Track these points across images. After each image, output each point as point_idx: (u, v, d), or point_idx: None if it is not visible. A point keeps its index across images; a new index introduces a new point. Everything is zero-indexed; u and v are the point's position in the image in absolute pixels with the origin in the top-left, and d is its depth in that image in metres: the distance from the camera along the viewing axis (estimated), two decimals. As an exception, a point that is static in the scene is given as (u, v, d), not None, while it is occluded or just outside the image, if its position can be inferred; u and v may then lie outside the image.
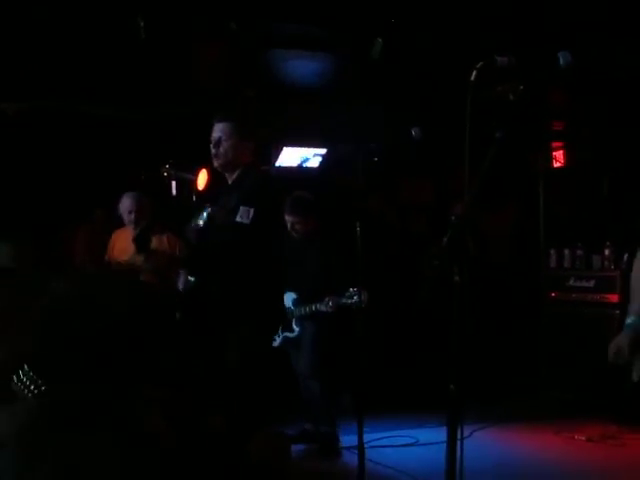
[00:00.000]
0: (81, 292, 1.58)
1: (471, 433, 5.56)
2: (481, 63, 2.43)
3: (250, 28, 5.84)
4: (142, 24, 5.53)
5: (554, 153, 7.91)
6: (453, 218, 2.21)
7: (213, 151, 4.30)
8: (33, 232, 5.97)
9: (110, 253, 6.05)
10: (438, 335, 4.07)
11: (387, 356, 6.93)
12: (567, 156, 7.94)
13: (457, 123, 2.57)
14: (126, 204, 5.88)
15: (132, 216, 5.83)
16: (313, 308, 5.37)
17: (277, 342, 5.52)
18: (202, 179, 7.14)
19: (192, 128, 7.04)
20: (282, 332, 5.53)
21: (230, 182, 4.35)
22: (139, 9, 5.45)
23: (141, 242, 5.49)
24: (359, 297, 4.74)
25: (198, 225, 4.30)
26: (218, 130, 4.29)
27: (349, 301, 5.13)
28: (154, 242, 5.74)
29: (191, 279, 4.48)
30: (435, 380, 4.05)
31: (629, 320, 2.84)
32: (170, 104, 6.86)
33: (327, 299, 5.27)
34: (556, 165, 7.91)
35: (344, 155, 7.24)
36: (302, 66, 6.63)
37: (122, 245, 5.92)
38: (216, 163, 4.33)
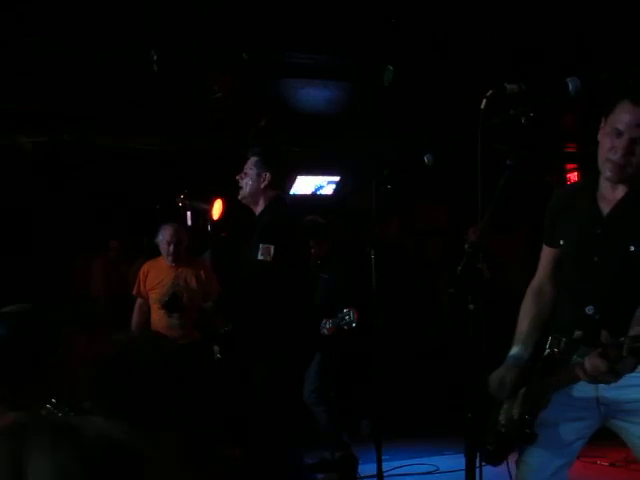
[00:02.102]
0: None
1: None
2: (491, 91, 2.45)
3: (262, 58, 5.90)
4: (155, 57, 5.59)
5: (568, 175, 7.91)
6: (467, 246, 2.22)
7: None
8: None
9: (142, 283, 5.91)
10: (455, 362, 4.05)
11: (405, 382, 6.90)
12: (581, 177, 7.95)
13: (470, 149, 2.58)
14: (166, 235, 5.76)
15: (170, 248, 5.73)
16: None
17: None
18: (217, 209, 7.21)
19: (207, 158, 7.12)
20: None
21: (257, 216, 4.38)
22: (154, 41, 5.52)
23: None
24: (350, 317, 4.78)
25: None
26: (246, 164, 4.37)
27: (341, 322, 5.14)
28: (189, 279, 5.74)
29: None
30: (453, 407, 4.02)
31: (513, 351, 2.69)
32: (185, 135, 6.93)
33: (324, 321, 5.28)
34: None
35: (357, 182, 7.27)
36: (314, 94, 6.68)
37: (155, 276, 5.85)
38: (239, 196, 4.39)
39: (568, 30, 5.21)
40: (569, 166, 7.97)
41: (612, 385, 2.24)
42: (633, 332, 1.98)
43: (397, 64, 5.78)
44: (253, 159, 4.36)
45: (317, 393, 5.40)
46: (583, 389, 2.46)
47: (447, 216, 8.75)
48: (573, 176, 7.98)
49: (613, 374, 2.09)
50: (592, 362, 2.13)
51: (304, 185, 7.72)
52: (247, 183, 4.32)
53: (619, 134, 2.46)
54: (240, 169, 4.42)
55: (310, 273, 5.06)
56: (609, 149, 2.49)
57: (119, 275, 7.79)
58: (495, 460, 2.63)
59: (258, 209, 4.34)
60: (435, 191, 8.11)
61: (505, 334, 2.79)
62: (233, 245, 7.59)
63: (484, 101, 2.44)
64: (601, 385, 2.33)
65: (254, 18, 5.27)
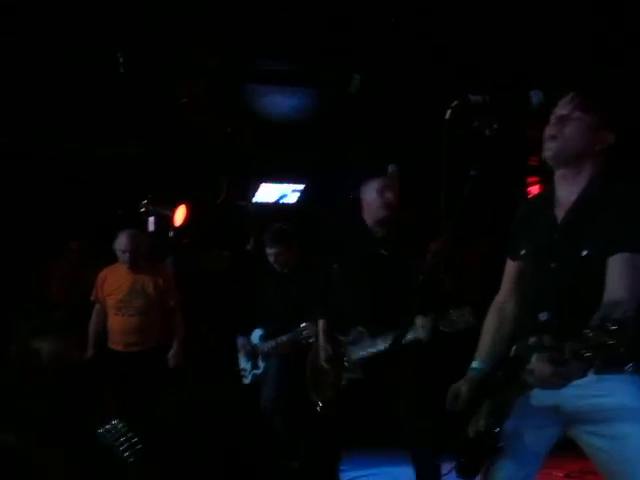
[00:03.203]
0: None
1: (450, 470, 5.51)
2: (456, 102, 2.47)
3: (229, 64, 5.88)
4: (121, 59, 5.54)
5: (530, 188, 7.98)
6: (429, 256, 2.22)
7: None
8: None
9: (99, 289, 5.91)
10: (418, 371, 4.06)
11: (366, 391, 6.88)
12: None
13: (434, 159, 2.60)
14: (122, 242, 5.73)
15: (126, 255, 5.71)
16: (274, 344, 5.36)
17: (248, 380, 5.49)
18: (180, 215, 7.16)
19: (172, 164, 7.07)
20: (252, 370, 5.50)
21: None
22: (119, 44, 5.47)
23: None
24: (309, 332, 4.78)
25: None
26: None
27: (299, 337, 5.14)
28: (146, 285, 5.70)
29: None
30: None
31: (474, 364, 2.70)
32: (150, 140, 6.87)
33: (282, 336, 5.28)
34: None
35: (322, 191, 7.28)
36: (280, 101, 6.67)
37: (113, 281, 5.84)
38: None
39: (534, 43, 5.28)
40: (531, 179, 8.05)
41: (571, 394, 2.24)
42: (578, 336, 1.98)
43: (365, 73, 5.80)
44: None
45: (272, 402, 5.37)
46: (543, 398, 2.47)
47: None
48: (535, 189, 8.05)
49: (560, 378, 2.09)
50: (538, 367, 2.13)
51: (268, 193, 7.70)
52: None
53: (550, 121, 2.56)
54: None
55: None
56: (545, 137, 2.57)
57: (80, 279, 7.67)
58: (468, 474, 2.63)
59: None
60: (399, 201, 8.12)
61: (466, 345, 2.80)
62: (195, 252, 7.54)
63: (449, 111, 2.45)
64: (561, 394, 2.33)
65: (223, 24, 5.25)
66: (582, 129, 2.52)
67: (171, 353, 5.73)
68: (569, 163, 2.58)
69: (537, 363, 2.12)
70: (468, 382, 2.65)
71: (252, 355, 5.58)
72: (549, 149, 2.57)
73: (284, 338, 5.26)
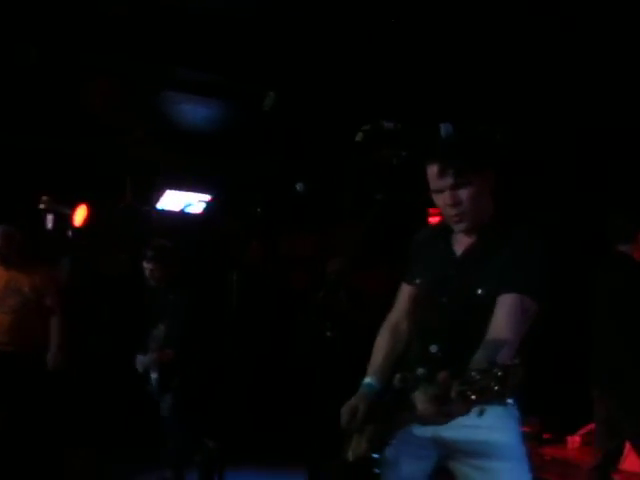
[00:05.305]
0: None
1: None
2: (367, 125, 2.51)
3: (146, 68, 5.81)
4: (33, 51, 5.40)
5: (430, 219, 8.16)
6: (328, 274, 2.24)
7: None
8: None
9: None
10: (308, 388, 4.07)
11: (255, 407, 6.87)
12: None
13: (342, 181, 2.63)
14: None
15: None
16: (152, 358, 5.33)
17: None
18: (80, 215, 6.99)
19: (76, 161, 6.90)
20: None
21: None
22: (33, 37, 5.33)
23: None
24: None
25: None
26: None
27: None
28: (21, 284, 5.53)
29: None
30: (301, 433, 4.03)
31: (366, 380, 2.70)
32: (54, 134, 6.70)
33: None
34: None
35: (229, 203, 7.25)
36: (194, 111, 6.63)
37: None
38: None
39: (448, 75, 5.43)
40: (433, 210, 8.22)
41: (447, 425, 2.27)
42: (465, 377, 2.01)
43: (280, 90, 5.84)
44: None
45: (172, 410, 5.32)
46: (423, 429, 2.49)
47: (316, 247, 8.81)
48: (436, 220, 8.22)
49: (442, 416, 2.08)
50: (422, 405, 2.11)
51: (173, 201, 7.62)
52: None
53: (440, 191, 2.56)
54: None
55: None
56: (442, 207, 2.59)
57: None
58: None
59: None
60: (305, 220, 8.17)
61: (360, 366, 2.82)
62: (93, 254, 7.37)
63: (359, 134, 2.49)
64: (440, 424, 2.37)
65: (142, 28, 5.20)
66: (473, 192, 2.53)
67: (48, 355, 5.57)
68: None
69: (421, 400, 2.11)
70: (364, 399, 2.63)
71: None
72: (462, 226, 2.59)
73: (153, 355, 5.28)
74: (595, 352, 4.57)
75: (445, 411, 2.04)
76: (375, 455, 2.50)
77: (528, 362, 2.22)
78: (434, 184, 2.54)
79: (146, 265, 5.38)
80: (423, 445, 2.60)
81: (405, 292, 2.87)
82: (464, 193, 2.51)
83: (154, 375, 5.34)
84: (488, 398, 1.89)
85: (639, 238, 4.50)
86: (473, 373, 1.92)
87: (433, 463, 2.67)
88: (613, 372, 4.48)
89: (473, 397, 1.90)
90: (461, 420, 2.10)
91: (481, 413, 1.93)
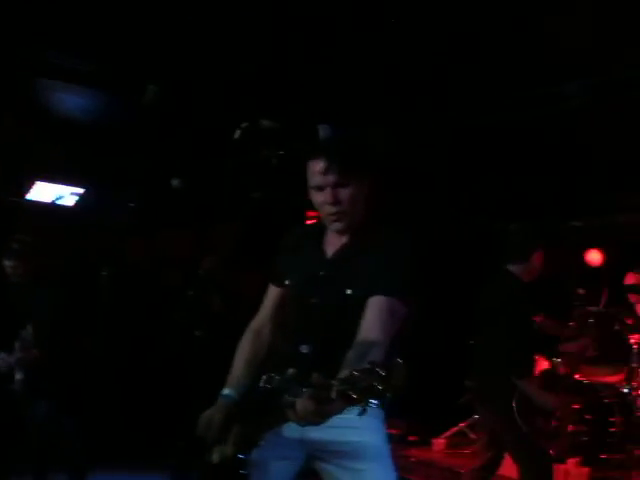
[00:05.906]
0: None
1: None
2: (246, 123, 2.48)
3: (20, 53, 5.58)
4: None
5: (308, 222, 8.22)
6: (200, 272, 2.20)
7: None
8: None
9: None
10: (175, 390, 4.01)
11: (125, 407, 6.72)
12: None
13: (220, 178, 2.59)
14: None
15: None
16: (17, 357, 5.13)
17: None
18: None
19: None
20: None
21: None
22: None
23: None
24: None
25: None
26: None
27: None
28: None
29: None
30: (169, 436, 3.97)
31: (225, 391, 2.70)
32: None
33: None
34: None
35: (102, 197, 7.06)
36: (70, 100, 6.42)
37: None
38: None
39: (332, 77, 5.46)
40: (310, 213, 8.28)
41: (315, 426, 2.27)
42: (342, 375, 2.02)
43: (160, 84, 5.73)
44: None
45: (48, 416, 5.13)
46: (290, 428, 2.46)
47: (191, 245, 8.71)
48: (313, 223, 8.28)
49: (320, 416, 2.09)
50: (301, 404, 2.11)
51: (43, 192, 7.34)
52: None
53: (320, 189, 2.57)
54: None
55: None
56: (321, 204, 2.60)
57: None
58: None
59: None
60: (181, 218, 8.06)
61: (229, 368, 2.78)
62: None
63: (238, 132, 2.46)
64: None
65: (15, 11, 5.00)
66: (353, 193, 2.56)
67: None
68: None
69: (301, 401, 2.10)
70: (221, 409, 2.62)
71: None
72: (339, 225, 2.61)
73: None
74: (473, 364, 4.70)
75: (324, 411, 2.04)
76: (241, 456, 2.48)
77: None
78: (316, 180, 2.55)
79: (7, 263, 5.20)
80: (290, 446, 2.60)
81: (272, 295, 2.86)
82: (345, 192, 2.53)
83: (18, 376, 5.13)
84: (370, 397, 1.91)
85: (533, 258, 4.55)
86: (355, 373, 1.93)
87: (300, 464, 2.67)
88: (483, 387, 4.63)
89: (355, 397, 1.91)
90: (329, 421, 2.11)
91: (362, 413, 1.94)
